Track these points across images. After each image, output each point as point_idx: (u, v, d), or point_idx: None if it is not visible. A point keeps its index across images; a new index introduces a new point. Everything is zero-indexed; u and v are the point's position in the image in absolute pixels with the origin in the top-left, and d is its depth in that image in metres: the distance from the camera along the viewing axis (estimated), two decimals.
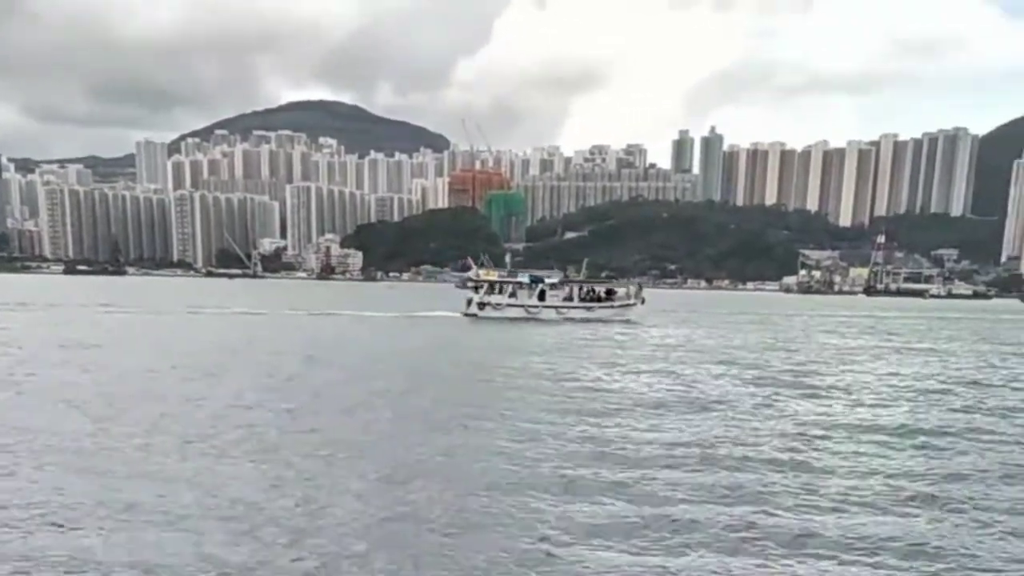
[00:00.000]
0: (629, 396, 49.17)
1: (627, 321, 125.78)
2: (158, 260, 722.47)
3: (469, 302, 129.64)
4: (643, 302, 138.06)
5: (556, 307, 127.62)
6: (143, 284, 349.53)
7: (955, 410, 47.57)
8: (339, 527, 23.94)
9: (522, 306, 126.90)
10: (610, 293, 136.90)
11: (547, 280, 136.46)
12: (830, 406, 47.48)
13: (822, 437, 38.02)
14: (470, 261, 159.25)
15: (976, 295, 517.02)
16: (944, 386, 57.80)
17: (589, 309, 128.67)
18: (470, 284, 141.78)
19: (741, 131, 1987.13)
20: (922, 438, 38.70)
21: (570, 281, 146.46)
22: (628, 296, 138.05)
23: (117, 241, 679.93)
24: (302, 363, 62.76)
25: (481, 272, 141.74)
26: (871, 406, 47.69)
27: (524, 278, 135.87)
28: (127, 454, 32.30)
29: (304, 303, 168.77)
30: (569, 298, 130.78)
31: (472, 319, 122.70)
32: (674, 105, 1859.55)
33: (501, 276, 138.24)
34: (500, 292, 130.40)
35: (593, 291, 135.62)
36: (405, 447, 33.98)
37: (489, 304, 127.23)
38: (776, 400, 48.89)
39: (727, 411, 44.88)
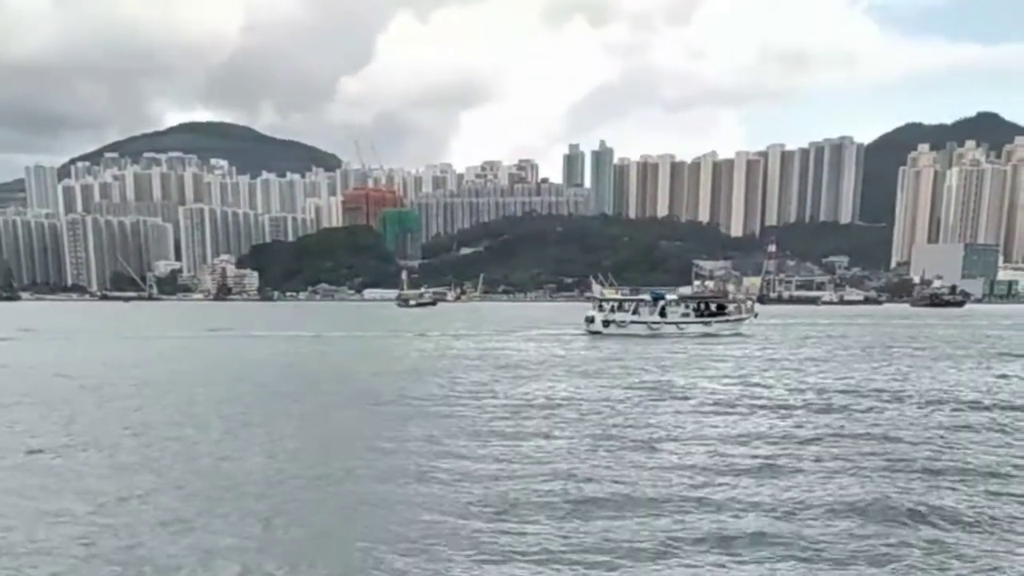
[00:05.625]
0: None
1: (739, 335, 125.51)
2: (52, 285, 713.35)
3: (591, 320, 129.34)
4: (756, 316, 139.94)
5: (677, 323, 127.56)
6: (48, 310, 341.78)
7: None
8: None
9: (645, 323, 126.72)
10: (721, 308, 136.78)
11: (668, 297, 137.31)
12: None
13: None
14: (591, 280, 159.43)
15: (867, 300, 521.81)
16: None
17: (707, 324, 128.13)
18: (594, 302, 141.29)
19: (629, 145, 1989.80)
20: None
21: (685, 298, 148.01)
22: (740, 310, 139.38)
23: (9, 267, 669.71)
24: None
25: (606, 291, 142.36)
26: None
27: (646, 296, 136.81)
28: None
29: (387, 326, 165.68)
30: (687, 314, 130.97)
31: (599, 336, 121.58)
32: (560, 120, 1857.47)
33: (623, 295, 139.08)
34: (623, 310, 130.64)
35: (707, 306, 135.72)
36: None
37: (614, 322, 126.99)
38: None
39: None
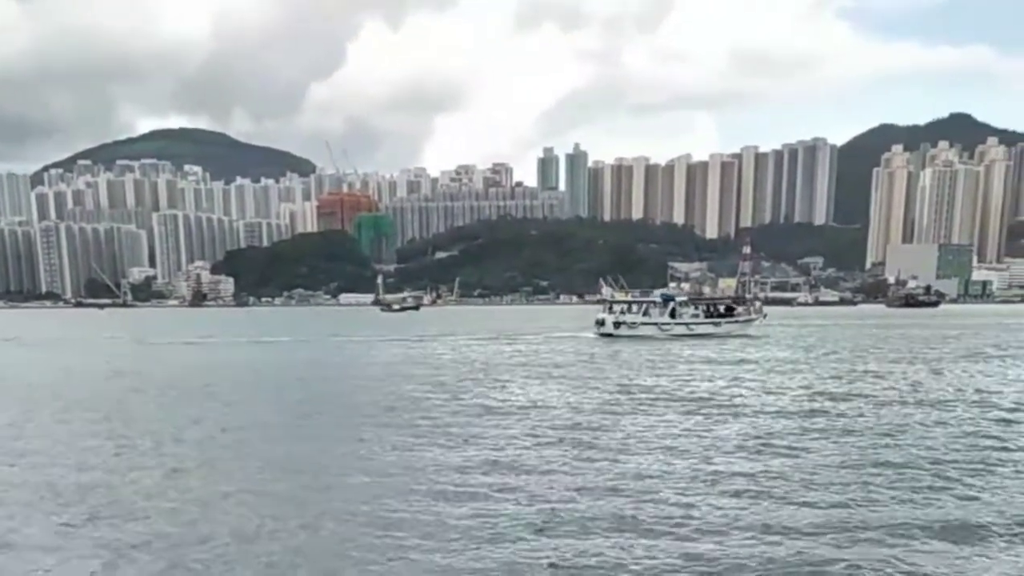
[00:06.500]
0: None
1: (748, 336, 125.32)
2: (26, 292, 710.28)
3: (602, 322, 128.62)
4: (765, 316, 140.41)
5: (687, 323, 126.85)
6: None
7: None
8: None
9: (655, 324, 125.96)
10: (730, 310, 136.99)
11: (678, 298, 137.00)
12: None
13: None
14: (601, 282, 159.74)
15: (842, 301, 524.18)
16: None
17: (716, 325, 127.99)
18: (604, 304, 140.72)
19: (603, 148, 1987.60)
20: None
21: (695, 299, 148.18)
22: (748, 312, 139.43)
23: None
24: None
25: (617, 294, 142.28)
26: None
27: (656, 297, 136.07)
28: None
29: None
30: (696, 315, 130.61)
31: (610, 338, 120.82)
32: (534, 125, 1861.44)
33: (634, 296, 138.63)
34: (632, 312, 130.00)
35: (716, 308, 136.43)
36: None
37: (624, 323, 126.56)
38: None
39: None
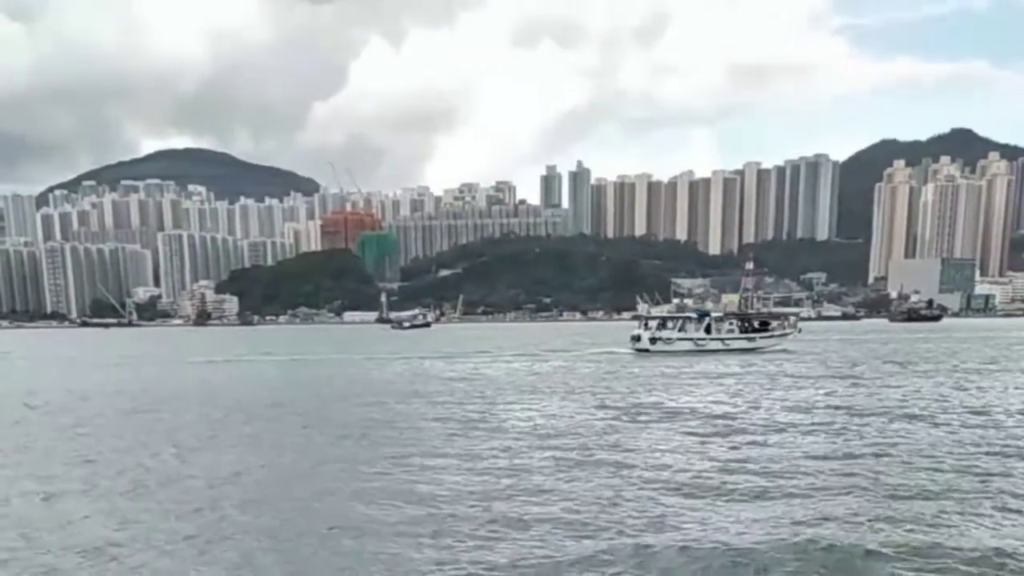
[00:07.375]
0: None
1: (783, 350, 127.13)
2: (31, 312, 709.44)
3: (638, 338, 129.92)
4: (799, 331, 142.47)
5: (723, 339, 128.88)
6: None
7: None
8: None
9: (691, 339, 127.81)
10: (764, 325, 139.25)
11: (713, 314, 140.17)
12: None
13: None
14: (637, 299, 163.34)
15: (845, 316, 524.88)
16: None
17: (752, 340, 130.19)
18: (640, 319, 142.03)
19: (606, 164, 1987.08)
20: None
21: (731, 315, 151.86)
22: (783, 326, 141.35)
23: None
24: None
25: (653, 309, 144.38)
26: None
27: (692, 313, 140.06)
28: None
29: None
30: (731, 330, 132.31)
31: (646, 354, 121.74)
32: (536, 141, 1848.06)
33: (669, 312, 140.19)
34: (667, 328, 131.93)
35: (751, 323, 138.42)
36: None
37: (660, 339, 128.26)
38: None
39: None
